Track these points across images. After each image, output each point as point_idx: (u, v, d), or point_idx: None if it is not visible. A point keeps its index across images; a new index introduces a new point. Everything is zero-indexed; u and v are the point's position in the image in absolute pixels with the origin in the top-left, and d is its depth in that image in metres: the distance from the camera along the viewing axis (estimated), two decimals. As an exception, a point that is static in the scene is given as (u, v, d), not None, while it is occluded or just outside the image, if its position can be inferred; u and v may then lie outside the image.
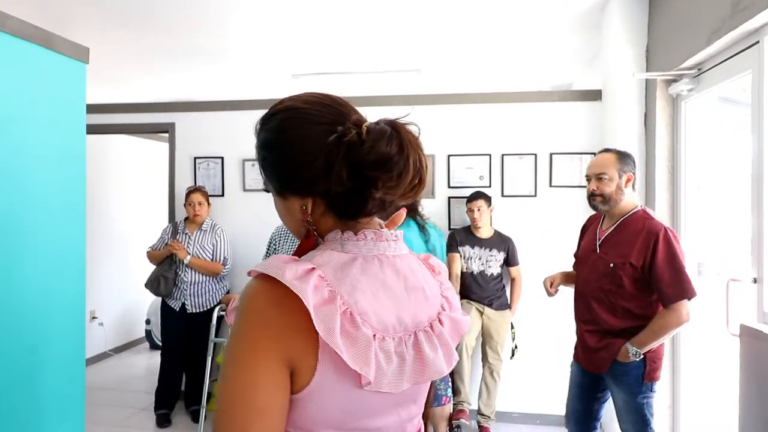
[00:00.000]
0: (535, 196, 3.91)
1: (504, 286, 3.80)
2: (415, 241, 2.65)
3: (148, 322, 5.93)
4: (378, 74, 5.12)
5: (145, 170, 6.28)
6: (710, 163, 2.99)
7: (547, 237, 3.91)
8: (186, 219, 4.05)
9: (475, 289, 3.71)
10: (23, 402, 2.30)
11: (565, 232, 3.87)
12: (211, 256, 3.96)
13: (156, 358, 5.13)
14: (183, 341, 3.95)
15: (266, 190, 0.95)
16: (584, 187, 3.82)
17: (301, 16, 3.73)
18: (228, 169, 4.33)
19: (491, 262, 3.71)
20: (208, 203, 4.05)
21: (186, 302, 3.91)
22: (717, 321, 2.63)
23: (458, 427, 3.68)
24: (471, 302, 3.72)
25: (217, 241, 3.99)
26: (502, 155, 3.95)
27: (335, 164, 0.81)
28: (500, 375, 3.74)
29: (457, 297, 1.02)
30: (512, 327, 3.79)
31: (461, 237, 3.76)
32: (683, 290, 2.20)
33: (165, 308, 4.00)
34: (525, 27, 3.92)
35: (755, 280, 2.30)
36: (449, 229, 4.01)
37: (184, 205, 4.00)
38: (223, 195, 4.32)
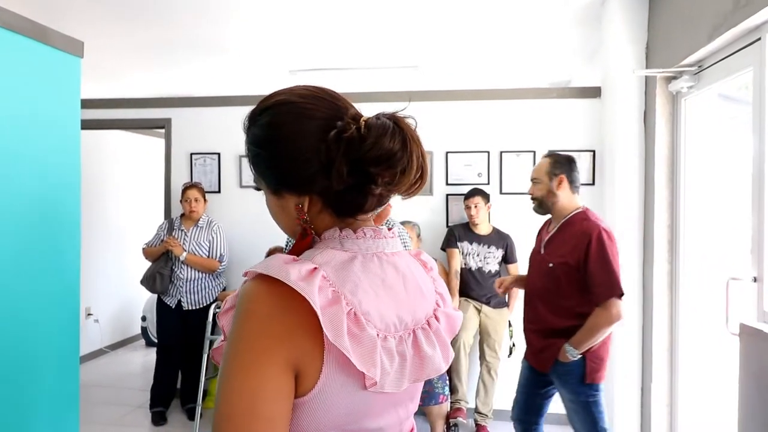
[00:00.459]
0: (534, 193, 3.88)
1: (502, 284, 3.78)
2: None
3: (143, 319, 5.90)
4: (375, 70, 5.09)
5: (140, 166, 6.24)
6: (710, 160, 2.97)
7: (546, 235, 3.89)
8: (182, 215, 4.02)
9: (473, 286, 3.69)
10: (17, 400, 2.27)
11: (563, 230, 3.86)
12: (207, 253, 3.94)
13: (152, 355, 5.10)
14: (179, 338, 3.93)
15: (257, 188, 0.92)
16: (583, 184, 3.81)
17: (299, 11, 3.70)
18: (224, 165, 4.30)
19: (489, 259, 3.69)
20: (205, 199, 4.02)
21: (182, 299, 3.88)
22: (716, 320, 2.62)
23: (455, 425, 3.66)
24: (469, 300, 3.70)
25: (213, 238, 3.96)
26: (501, 152, 3.93)
27: (335, 161, 0.78)
28: (498, 373, 3.73)
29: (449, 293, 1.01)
30: (510, 325, 3.76)
31: (460, 233, 3.74)
32: (612, 289, 2.25)
33: (161, 305, 3.97)
34: (524, 23, 3.89)
35: (755, 279, 2.29)
36: (447, 226, 3.99)
37: (181, 201, 3.97)
38: (219, 191, 4.29)
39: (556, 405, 3.67)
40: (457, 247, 3.71)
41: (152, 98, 4.57)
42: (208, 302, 3.91)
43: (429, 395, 3.36)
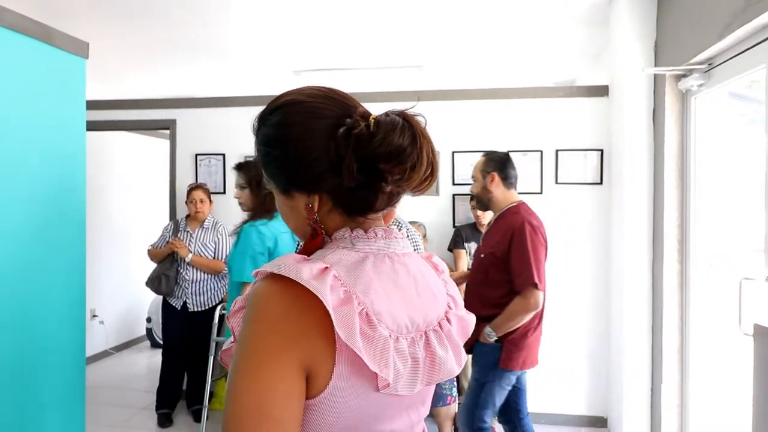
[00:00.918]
0: (541, 193, 3.86)
1: (509, 285, 3.76)
2: (285, 233, 2.80)
3: (149, 320, 5.90)
4: (380, 70, 5.08)
5: (145, 167, 6.23)
6: (721, 159, 2.95)
7: (553, 234, 3.85)
8: (187, 216, 4.00)
9: (480, 287, 3.66)
10: (24, 401, 2.26)
11: (571, 230, 3.83)
12: (212, 254, 3.92)
13: (157, 356, 5.09)
14: (184, 340, 3.91)
15: (269, 191, 0.91)
16: (591, 184, 3.80)
17: (303, 12, 3.68)
18: (230, 166, 4.26)
19: (496, 260, 3.66)
20: (210, 200, 4.01)
21: (187, 300, 3.87)
22: (728, 320, 2.59)
23: (463, 426, 3.64)
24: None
25: (218, 239, 3.95)
26: (507, 152, 3.89)
27: (345, 158, 0.78)
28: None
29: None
30: (518, 325, 3.74)
31: (467, 233, 3.72)
32: (528, 279, 2.43)
33: (166, 307, 3.96)
34: (530, 21, 3.87)
35: (769, 279, 2.26)
36: (453, 227, 3.97)
37: (186, 202, 3.96)
38: (224, 192, 4.28)
39: (562, 404, 3.63)
40: (465, 248, 3.69)
41: (157, 99, 4.56)
42: (214, 303, 3.89)
43: (437, 396, 3.34)
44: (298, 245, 2.90)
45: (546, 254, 2.63)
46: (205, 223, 3.96)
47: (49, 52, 2.48)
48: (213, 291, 3.92)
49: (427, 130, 0.82)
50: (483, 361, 2.58)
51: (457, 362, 0.85)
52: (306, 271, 0.72)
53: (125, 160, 5.95)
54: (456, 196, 3.98)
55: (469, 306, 2.48)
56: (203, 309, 3.87)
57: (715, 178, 2.96)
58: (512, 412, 2.75)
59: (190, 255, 3.80)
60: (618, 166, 3.50)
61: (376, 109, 0.86)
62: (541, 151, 3.87)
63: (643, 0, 3.26)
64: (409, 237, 2.74)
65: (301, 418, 0.72)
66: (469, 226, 3.77)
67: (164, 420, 3.88)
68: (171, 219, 4.30)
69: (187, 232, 3.92)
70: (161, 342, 4.79)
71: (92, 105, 4.24)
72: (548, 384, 3.86)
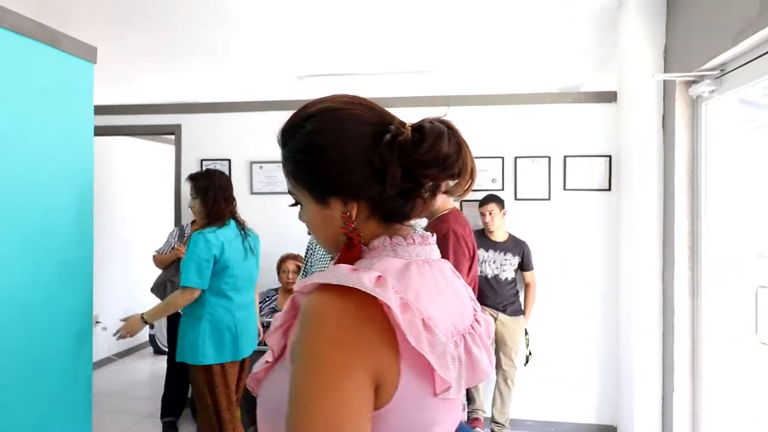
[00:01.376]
0: (549, 199, 3.84)
1: (518, 292, 3.73)
2: (234, 241, 2.83)
3: (151, 326, 5.86)
4: (384, 75, 5.05)
5: (150, 173, 6.20)
6: (732, 165, 2.92)
7: (562, 241, 3.84)
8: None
9: (489, 294, 3.63)
10: (30, 410, 2.23)
11: (579, 236, 3.81)
12: (218, 261, 3.88)
13: (160, 363, 5.05)
14: (190, 347, 3.87)
15: (295, 202, 0.89)
16: (599, 190, 3.77)
17: (307, 16, 3.66)
18: (235, 172, 4.26)
19: (506, 266, 3.63)
20: (216, 206, 3.97)
21: (193, 307, 3.82)
22: (742, 327, 2.56)
23: (471, 435, 3.61)
24: (485, 308, 3.64)
25: (224, 245, 3.91)
26: (515, 158, 3.89)
27: (390, 165, 0.77)
28: (514, 382, 3.67)
29: None
30: (526, 333, 3.72)
31: (475, 240, 3.68)
32: None
33: (171, 313, 3.91)
34: (536, 26, 3.84)
35: (786, 287, 2.23)
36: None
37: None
38: (230, 198, 4.24)
39: (570, 413, 3.61)
40: (472, 254, 3.66)
41: (162, 104, 4.54)
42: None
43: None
44: (306, 262, 2.85)
45: (470, 264, 2.69)
46: (210, 229, 3.92)
47: (57, 57, 2.47)
48: (218, 297, 3.88)
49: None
50: None
51: (490, 363, 0.86)
52: (366, 280, 0.71)
53: (130, 166, 5.93)
54: (464, 203, 3.96)
55: None
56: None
57: (727, 184, 2.93)
58: None
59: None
60: (627, 172, 3.48)
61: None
62: (549, 157, 3.85)
63: (653, 5, 3.25)
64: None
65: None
66: (477, 233, 3.73)
67: (169, 428, 3.84)
68: (176, 225, 4.27)
69: (193, 238, 3.89)
70: (164, 348, 4.75)
71: (97, 110, 4.21)
72: (556, 392, 3.83)
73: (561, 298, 3.83)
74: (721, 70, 2.77)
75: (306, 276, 2.04)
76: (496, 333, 3.65)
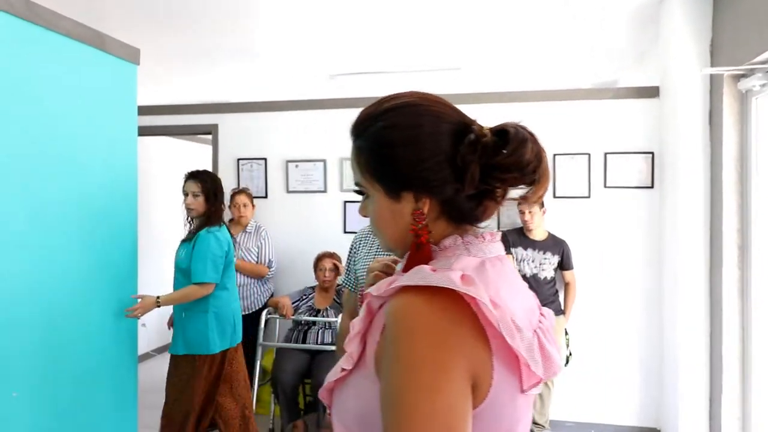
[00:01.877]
0: (589, 197, 3.78)
1: (557, 291, 3.68)
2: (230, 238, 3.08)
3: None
4: (417, 73, 5.03)
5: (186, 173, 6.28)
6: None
7: (602, 240, 3.77)
8: (230, 221, 4.02)
9: (528, 294, 3.59)
10: (80, 406, 2.28)
11: (621, 235, 3.74)
12: (256, 259, 3.93)
13: (197, 360, 5.10)
14: (228, 344, 3.92)
15: (360, 192, 0.88)
16: (641, 188, 3.69)
17: (339, 15, 3.66)
18: (271, 171, 4.29)
19: (545, 266, 3.58)
20: (253, 205, 4.02)
21: (231, 305, 3.87)
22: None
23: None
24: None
25: (261, 244, 3.95)
26: (554, 155, 3.82)
27: (470, 165, 0.77)
28: (554, 383, 3.62)
29: None
30: (566, 333, 3.66)
31: (513, 238, 3.64)
32: None
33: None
34: (573, 21, 3.77)
35: None
36: (498, 230, 3.90)
37: (229, 206, 3.97)
38: (266, 197, 4.29)
39: (611, 414, 3.54)
40: (511, 253, 3.62)
41: (199, 104, 4.60)
42: (257, 308, 3.90)
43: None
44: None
45: None
46: (248, 228, 3.97)
47: (102, 59, 2.51)
48: (256, 295, 3.93)
49: None
50: None
51: (560, 356, 0.85)
52: (456, 279, 0.70)
53: (166, 165, 6.02)
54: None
55: None
56: (247, 313, 3.86)
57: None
58: None
59: (234, 259, 3.81)
60: (671, 169, 3.40)
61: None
62: (589, 154, 3.78)
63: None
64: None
65: None
66: (515, 231, 3.70)
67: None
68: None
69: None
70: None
71: (137, 110, 4.30)
72: (597, 393, 3.77)
73: (601, 298, 3.77)
74: (774, 63, 2.69)
75: (348, 275, 2.03)
76: (535, 332, 3.61)
